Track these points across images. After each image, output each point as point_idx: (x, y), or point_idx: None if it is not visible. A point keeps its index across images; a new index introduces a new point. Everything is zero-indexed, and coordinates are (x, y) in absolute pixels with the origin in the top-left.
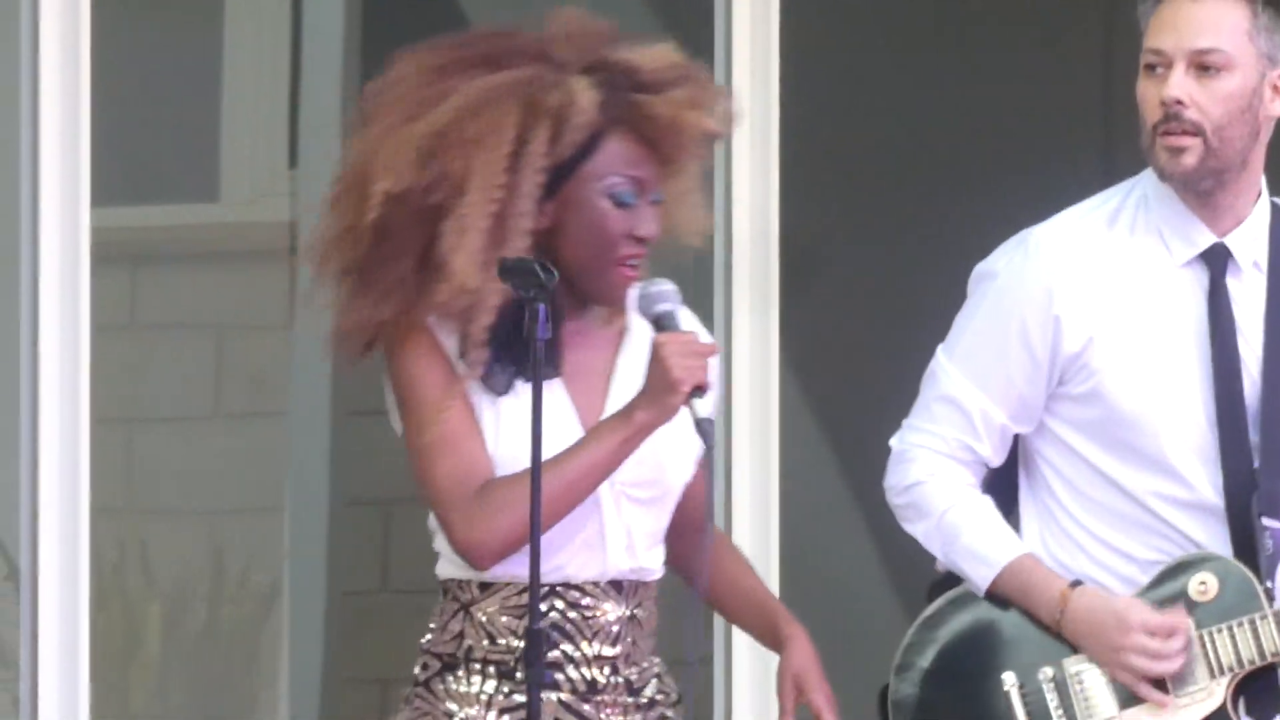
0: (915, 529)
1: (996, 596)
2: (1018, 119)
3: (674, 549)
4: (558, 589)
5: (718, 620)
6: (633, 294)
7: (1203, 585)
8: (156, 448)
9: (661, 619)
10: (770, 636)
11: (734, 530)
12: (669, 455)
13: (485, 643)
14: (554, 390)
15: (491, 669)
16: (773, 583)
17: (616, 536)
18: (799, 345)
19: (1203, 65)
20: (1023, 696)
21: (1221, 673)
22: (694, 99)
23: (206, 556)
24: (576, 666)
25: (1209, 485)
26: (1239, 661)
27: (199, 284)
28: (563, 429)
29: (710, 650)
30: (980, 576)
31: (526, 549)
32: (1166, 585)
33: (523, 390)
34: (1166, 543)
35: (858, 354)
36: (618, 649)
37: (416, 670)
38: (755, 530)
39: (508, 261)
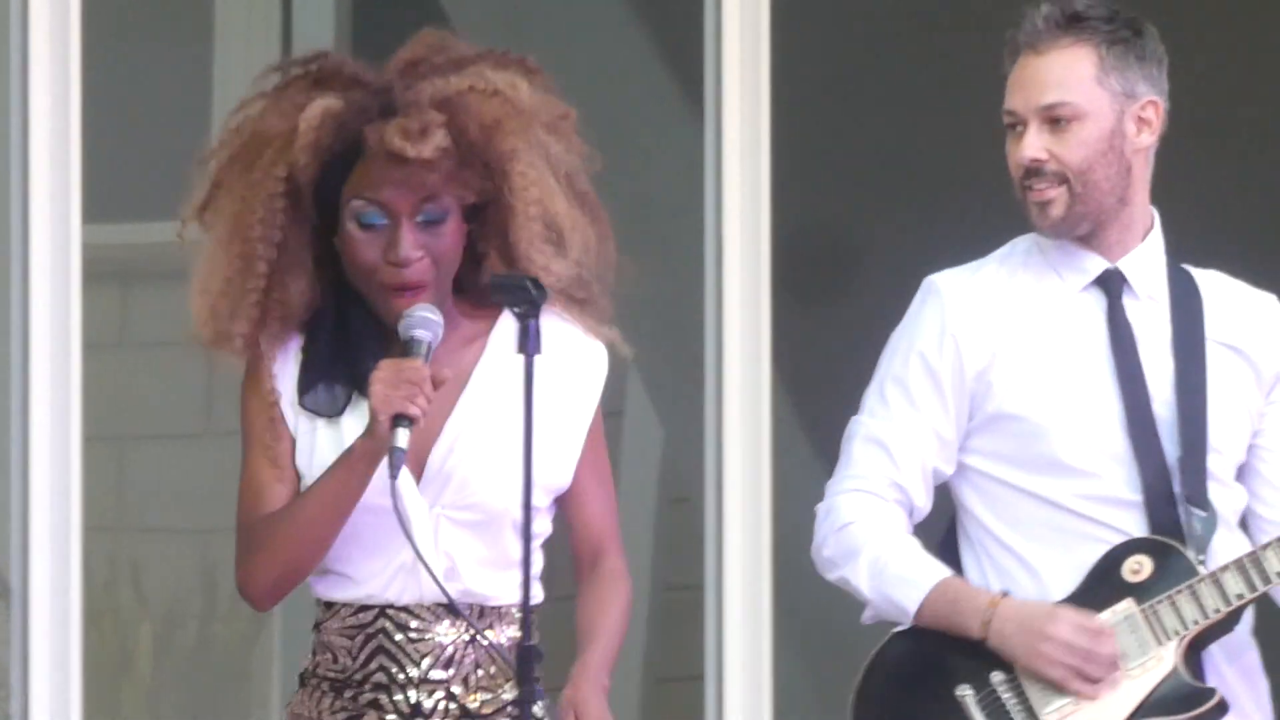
0: (844, 572)
1: (924, 621)
2: None
3: (577, 580)
4: (386, 610)
5: (709, 638)
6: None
7: (1136, 566)
8: (148, 465)
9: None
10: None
11: (725, 548)
12: (492, 480)
13: (329, 659)
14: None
15: (326, 685)
16: (765, 601)
17: (433, 560)
18: (791, 362)
19: (1054, 119)
20: (979, 702)
21: (1168, 638)
22: (410, 122)
23: (198, 574)
24: (402, 689)
25: (1125, 485)
26: (1183, 623)
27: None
28: None
29: (702, 669)
30: (908, 599)
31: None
32: (1100, 580)
33: (364, 407)
34: (1101, 545)
35: (851, 369)
36: (450, 672)
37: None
38: (747, 548)
39: (498, 278)
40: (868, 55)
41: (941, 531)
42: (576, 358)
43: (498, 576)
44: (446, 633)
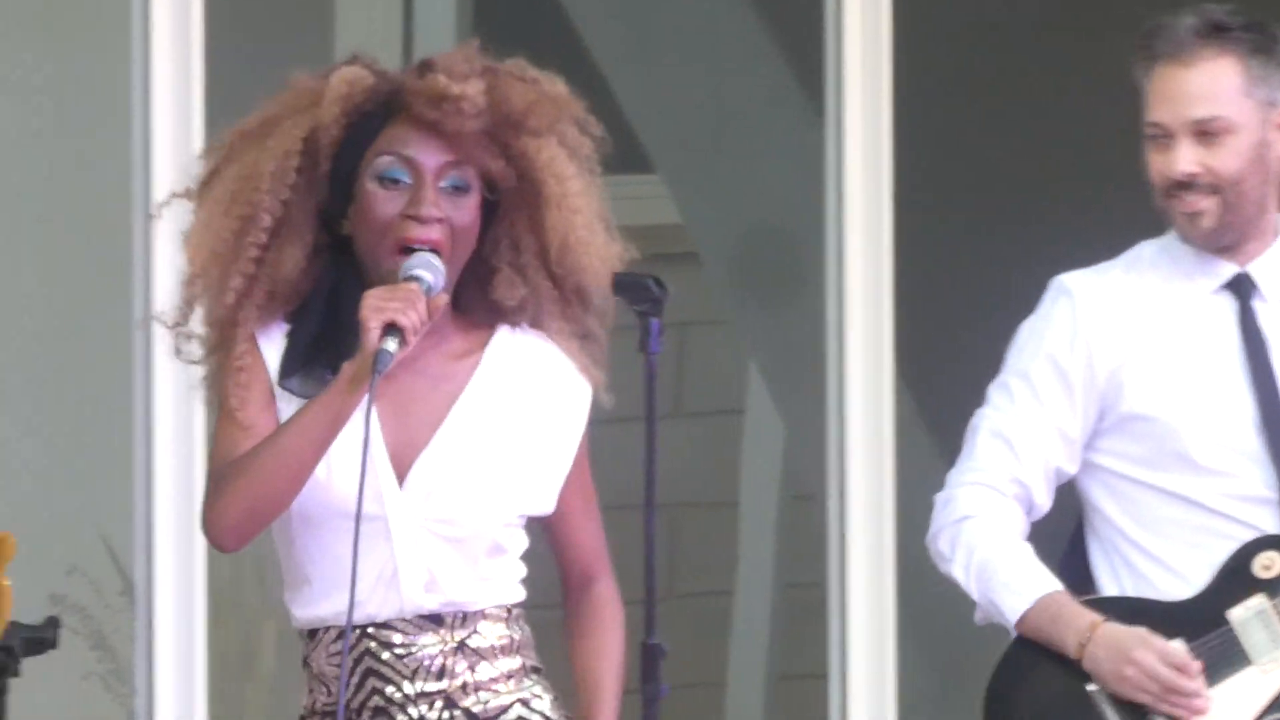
0: (954, 568)
1: (1025, 630)
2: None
3: (565, 605)
4: (368, 630)
5: (833, 636)
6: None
7: (1268, 562)
8: None
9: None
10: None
11: (848, 546)
12: (474, 498)
13: (323, 692)
14: (362, 414)
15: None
16: (888, 599)
17: (412, 573)
18: (913, 359)
19: (1205, 133)
20: (1109, 698)
21: None
22: (449, 69)
23: None
24: (403, 709)
25: (1261, 483)
26: None
27: None
28: (353, 442)
29: (825, 667)
30: (1011, 608)
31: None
32: (1231, 576)
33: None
34: (1235, 543)
35: (973, 366)
36: (444, 682)
37: None
38: (870, 546)
39: (621, 276)
40: (991, 52)
41: (1071, 531)
42: (565, 385)
43: (478, 585)
44: (432, 643)
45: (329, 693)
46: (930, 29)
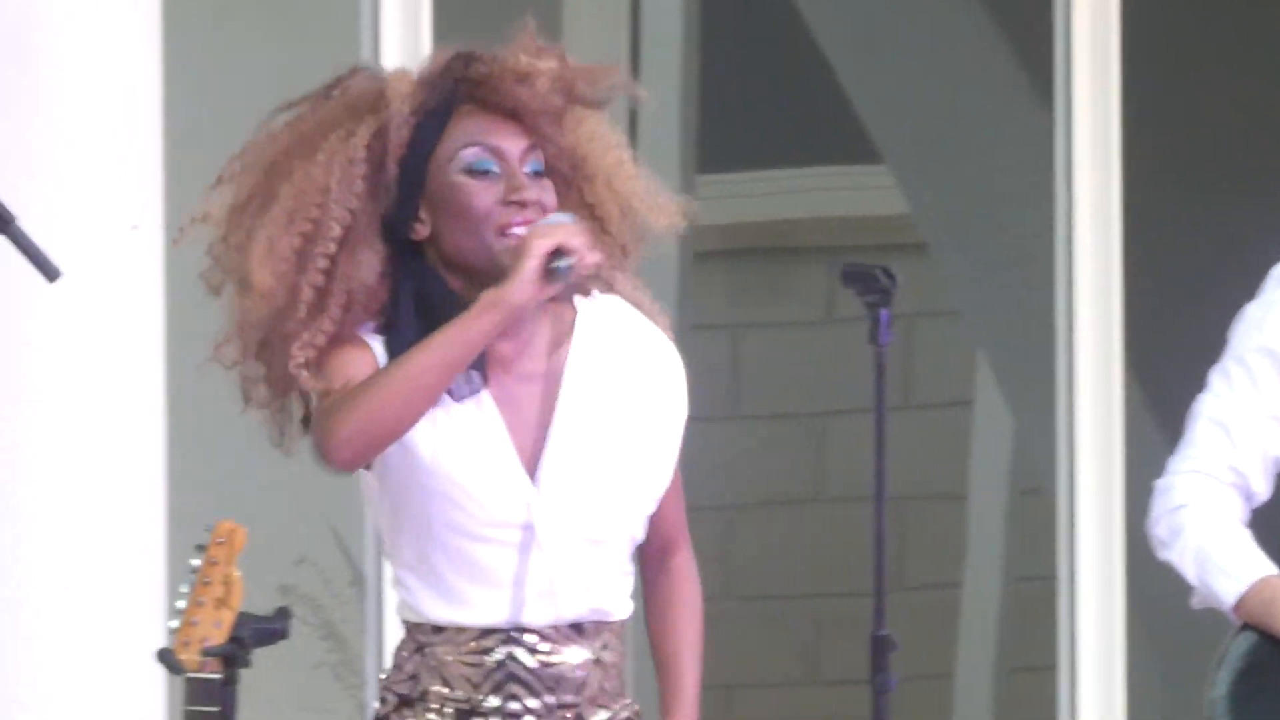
0: (1171, 554)
1: (1242, 615)
2: None
3: (643, 576)
4: (512, 634)
5: (1062, 629)
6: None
7: None
8: None
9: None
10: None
11: (1078, 539)
12: (607, 488)
13: (440, 688)
14: (482, 405)
15: (450, 709)
16: (1117, 592)
17: (569, 584)
18: (1143, 351)
19: None
20: None
21: None
22: (521, 48)
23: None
24: (538, 717)
25: None
26: None
27: None
28: (489, 444)
29: (1054, 660)
30: (1228, 592)
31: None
32: None
33: (451, 408)
34: None
35: (1203, 358)
36: (581, 696)
37: (376, 705)
38: (1100, 539)
39: (849, 266)
40: (1220, 43)
41: None
42: (657, 349)
43: (617, 592)
44: (576, 656)
45: (450, 688)
46: (1159, 16)
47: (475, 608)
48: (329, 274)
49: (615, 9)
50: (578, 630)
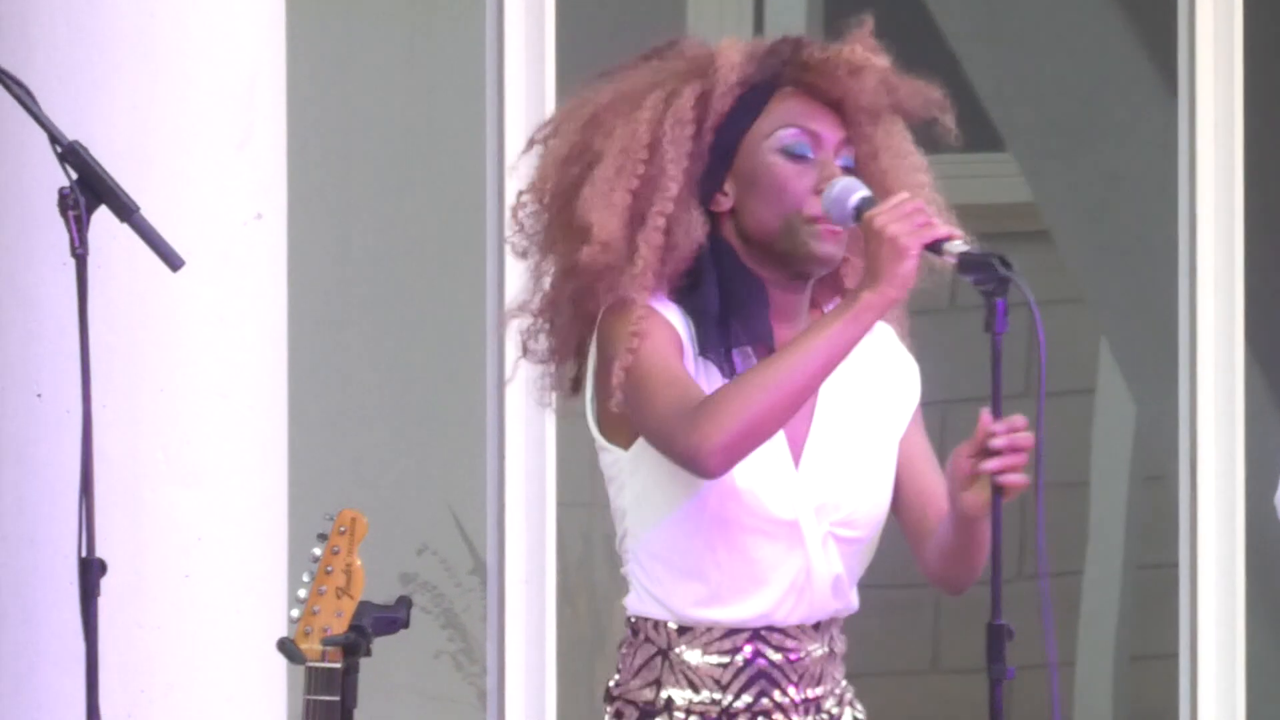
0: None
1: None
2: None
3: (931, 559)
4: (761, 633)
5: (1183, 617)
6: (824, 205)
7: None
8: None
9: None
10: (950, 509)
11: (1199, 527)
12: (870, 495)
13: (688, 693)
14: None
15: (694, 718)
16: (1239, 580)
17: (824, 580)
18: (1265, 339)
19: None
20: None
21: None
22: (857, 41)
23: None
24: (786, 714)
25: None
26: None
27: None
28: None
29: (1175, 647)
30: None
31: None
32: None
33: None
34: None
35: None
36: (821, 689)
37: (608, 719)
38: (1222, 527)
39: (965, 256)
40: None
41: None
42: (898, 358)
43: (854, 588)
44: (815, 648)
45: (694, 689)
46: None
47: (734, 603)
48: (667, 232)
49: (739, 2)
50: (815, 625)
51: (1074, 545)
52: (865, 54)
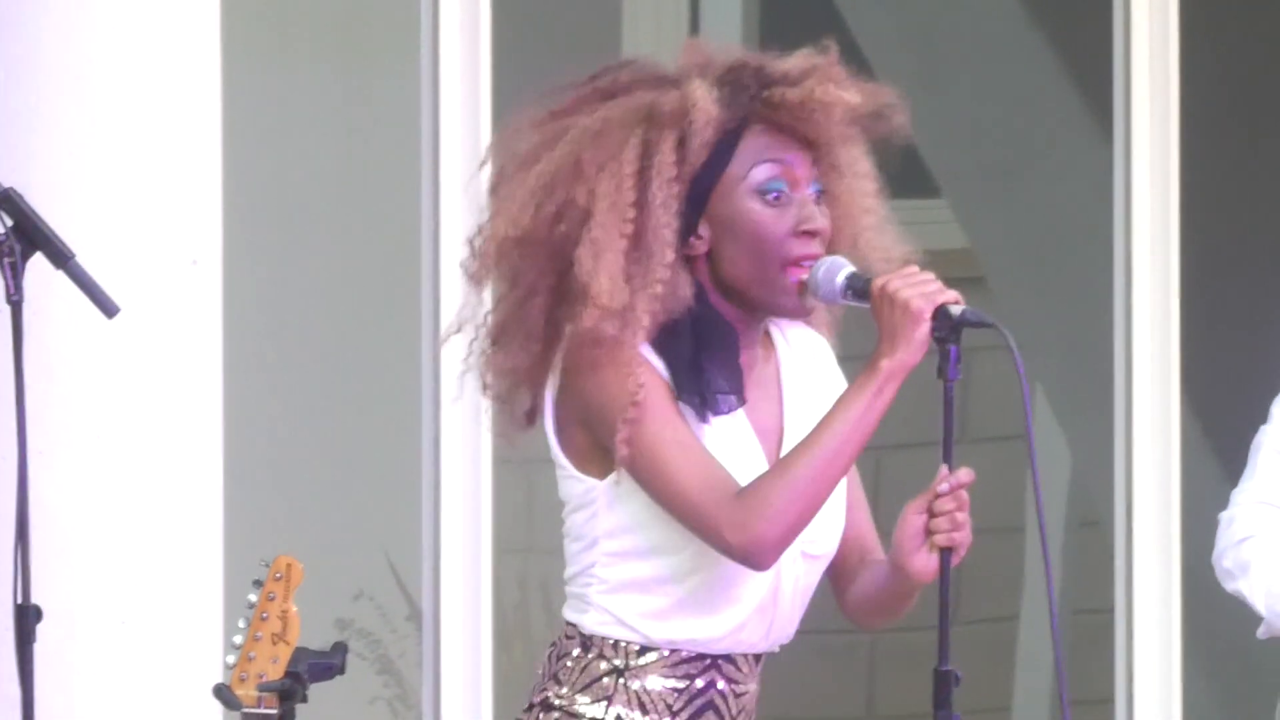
0: (1239, 585)
1: None
2: None
3: (846, 588)
4: (719, 661)
5: (1119, 661)
6: (810, 286)
7: None
8: (555, 487)
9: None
10: (894, 562)
11: (1135, 571)
12: (833, 516)
13: (635, 714)
14: (736, 418)
15: None
16: (1175, 624)
17: (787, 600)
18: (1200, 384)
19: None
20: None
21: None
22: (826, 77)
23: None
24: None
25: None
26: None
27: None
28: (747, 457)
29: (1112, 692)
30: None
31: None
32: None
33: (713, 421)
34: None
35: (1260, 390)
36: None
37: None
38: (1158, 572)
39: (966, 316)
40: (1278, 69)
41: None
42: (834, 374)
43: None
44: (753, 683)
45: (643, 711)
46: (1218, 49)
47: (705, 623)
48: (663, 300)
49: (675, 16)
50: (757, 660)
51: (1011, 590)
52: (836, 92)
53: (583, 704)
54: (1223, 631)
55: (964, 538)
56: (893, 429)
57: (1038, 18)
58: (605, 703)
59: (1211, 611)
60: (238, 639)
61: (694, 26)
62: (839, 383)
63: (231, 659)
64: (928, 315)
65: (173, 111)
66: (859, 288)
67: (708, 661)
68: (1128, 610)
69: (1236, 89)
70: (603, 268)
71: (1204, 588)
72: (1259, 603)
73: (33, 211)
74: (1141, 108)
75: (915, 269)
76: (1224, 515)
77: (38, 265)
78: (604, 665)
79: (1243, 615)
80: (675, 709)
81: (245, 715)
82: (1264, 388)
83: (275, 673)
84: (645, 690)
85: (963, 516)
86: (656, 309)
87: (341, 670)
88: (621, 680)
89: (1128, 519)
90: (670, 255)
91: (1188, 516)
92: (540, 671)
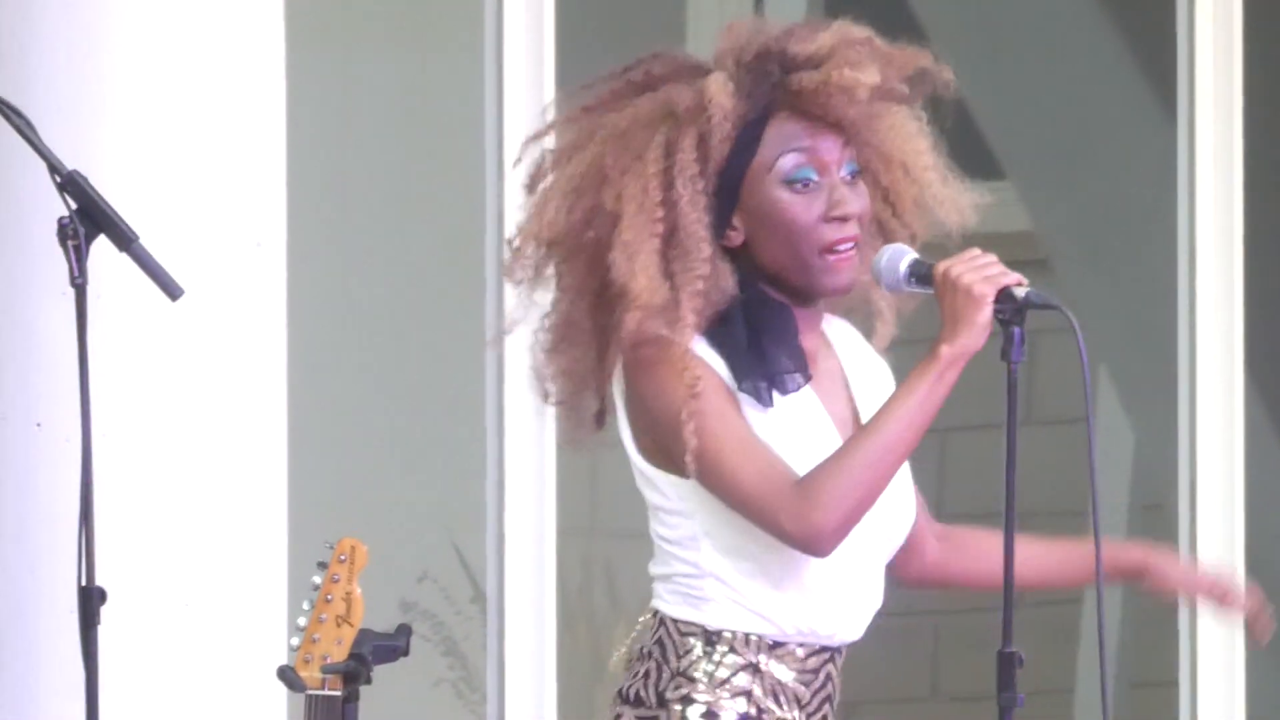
0: None
1: None
2: None
3: (923, 568)
4: (834, 653)
5: (1184, 644)
6: (874, 275)
7: None
8: (618, 470)
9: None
10: (1120, 564)
11: (1199, 552)
12: (902, 502)
13: (771, 703)
14: (806, 398)
15: None
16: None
17: (875, 589)
18: (1264, 365)
19: None
20: None
21: None
22: (844, 60)
23: None
24: None
25: None
26: None
27: None
28: (821, 437)
29: (1176, 675)
30: None
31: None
32: None
33: (780, 403)
34: None
35: None
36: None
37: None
38: (1221, 554)
39: (1030, 298)
40: None
41: None
42: (881, 365)
43: None
44: (835, 669)
45: (777, 702)
46: None
47: (828, 616)
48: (705, 293)
49: (739, 5)
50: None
51: None
52: (853, 75)
53: (730, 698)
54: None
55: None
56: (956, 410)
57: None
58: (745, 697)
59: (1275, 593)
60: (302, 621)
61: (758, 6)
62: (885, 369)
63: (296, 641)
64: (990, 300)
65: (237, 95)
66: (922, 274)
67: (827, 655)
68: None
69: None
70: (639, 268)
71: (1267, 569)
72: None
73: (97, 194)
74: (1205, 90)
75: (977, 252)
76: None
77: (102, 248)
78: (737, 660)
79: None
80: (803, 701)
81: (309, 697)
82: None
83: (339, 654)
84: (779, 684)
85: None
86: (699, 304)
87: (406, 652)
88: (759, 675)
89: (1191, 502)
90: (706, 249)
91: (1251, 499)
92: (642, 670)
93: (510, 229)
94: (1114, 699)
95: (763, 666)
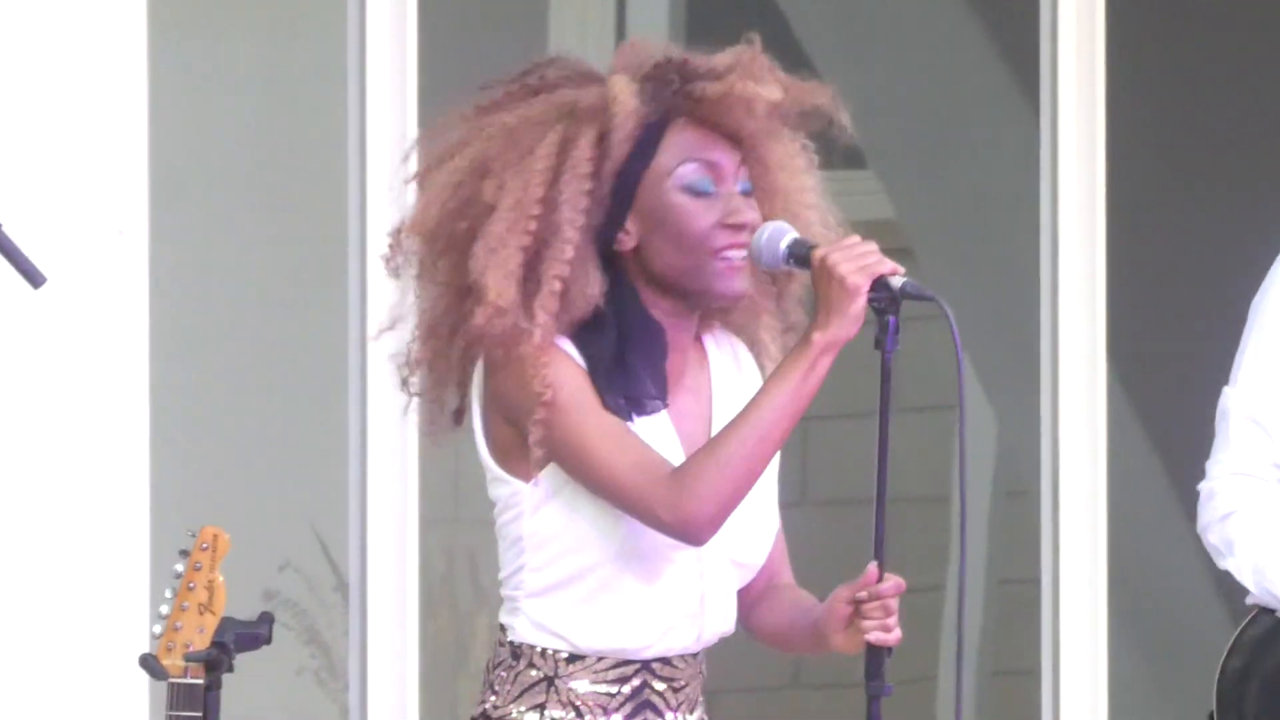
0: (1227, 565)
1: None
2: None
3: (751, 611)
4: (652, 664)
5: (1045, 632)
6: (753, 252)
7: None
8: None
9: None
10: (817, 626)
11: (1061, 541)
12: (757, 515)
13: (571, 716)
14: (658, 419)
15: None
16: (1101, 595)
17: (716, 606)
18: (1126, 353)
19: None
20: None
21: None
22: (747, 73)
23: None
24: None
25: None
26: None
27: None
28: (667, 457)
29: (1038, 663)
30: None
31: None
32: None
33: (636, 421)
34: None
35: (1185, 359)
36: (697, 714)
37: None
38: (1084, 542)
39: (906, 289)
40: (1204, 46)
41: None
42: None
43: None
44: (694, 675)
45: (580, 716)
46: (1145, 20)
47: (633, 631)
48: (563, 293)
49: (601, 7)
50: (694, 656)
51: (937, 560)
52: (755, 88)
53: (517, 713)
54: (1149, 601)
55: (894, 639)
56: (821, 400)
57: None
58: (539, 710)
59: (1137, 582)
60: (164, 609)
61: (620, 14)
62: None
63: (158, 629)
64: (864, 291)
65: (99, 81)
66: (800, 255)
67: (637, 665)
68: (1054, 580)
69: (1163, 62)
70: (495, 265)
71: (1129, 558)
72: (1248, 580)
73: None
74: (1068, 79)
75: (857, 239)
76: (1203, 488)
77: None
78: (534, 674)
79: (1168, 585)
80: (610, 710)
81: (172, 685)
82: (1190, 357)
83: (201, 643)
84: (576, 694)
85: (892, 621)
86: (554, 305)
87: (268, 640)
88: (553, 688)
89: (1054, 489)
90: (570, 251)
91: (1114, 486)
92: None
93: (373, 216)
94: (976, 688)
95: (557, 680)
